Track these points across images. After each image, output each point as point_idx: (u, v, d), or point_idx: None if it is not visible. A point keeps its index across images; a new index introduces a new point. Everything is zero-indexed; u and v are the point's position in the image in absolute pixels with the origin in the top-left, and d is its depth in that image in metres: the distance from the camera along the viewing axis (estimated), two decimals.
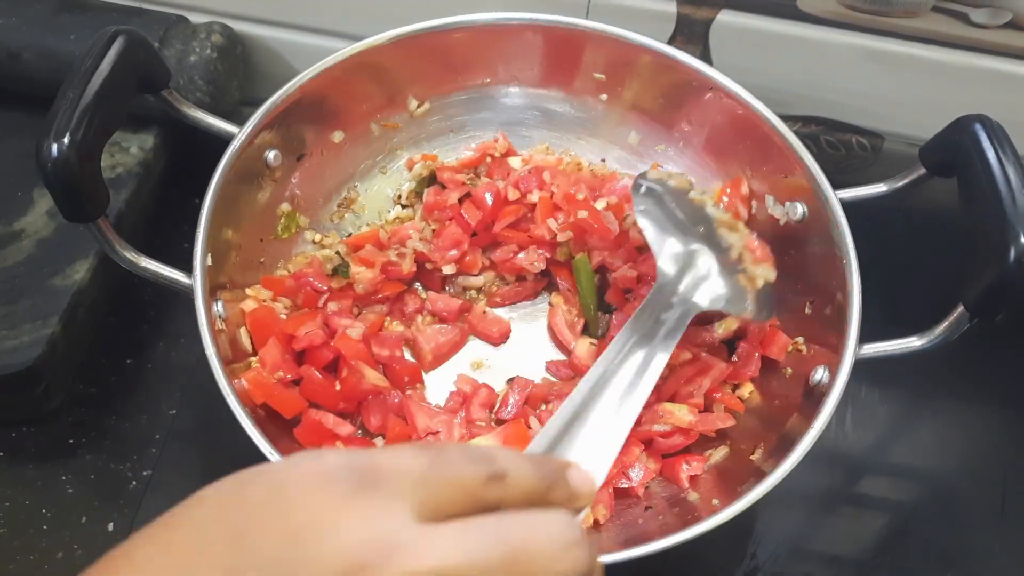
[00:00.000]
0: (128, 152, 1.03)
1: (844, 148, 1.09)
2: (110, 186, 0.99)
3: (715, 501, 0.78)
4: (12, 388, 0.89)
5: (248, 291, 0.89)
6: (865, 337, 0.81)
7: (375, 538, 0.41)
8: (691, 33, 0.99)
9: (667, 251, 0.86)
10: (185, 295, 0.80)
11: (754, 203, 0.96)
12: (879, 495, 0.96)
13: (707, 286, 0.85)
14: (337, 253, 0.94)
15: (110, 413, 0.95)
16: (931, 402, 1.01)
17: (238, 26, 1.08)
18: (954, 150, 0.80)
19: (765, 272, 0.86)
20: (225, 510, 0.43)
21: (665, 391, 0.87)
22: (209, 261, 0.81)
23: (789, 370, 0.88)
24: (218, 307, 0.83)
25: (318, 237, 0.98)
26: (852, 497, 0.95)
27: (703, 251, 0.87)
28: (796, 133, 0.91)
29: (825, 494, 0.95)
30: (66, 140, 0.72)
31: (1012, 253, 0.72)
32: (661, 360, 0.76)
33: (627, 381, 0.72)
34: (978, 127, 0.78)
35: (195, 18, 1.06)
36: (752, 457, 0.83)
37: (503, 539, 0.43)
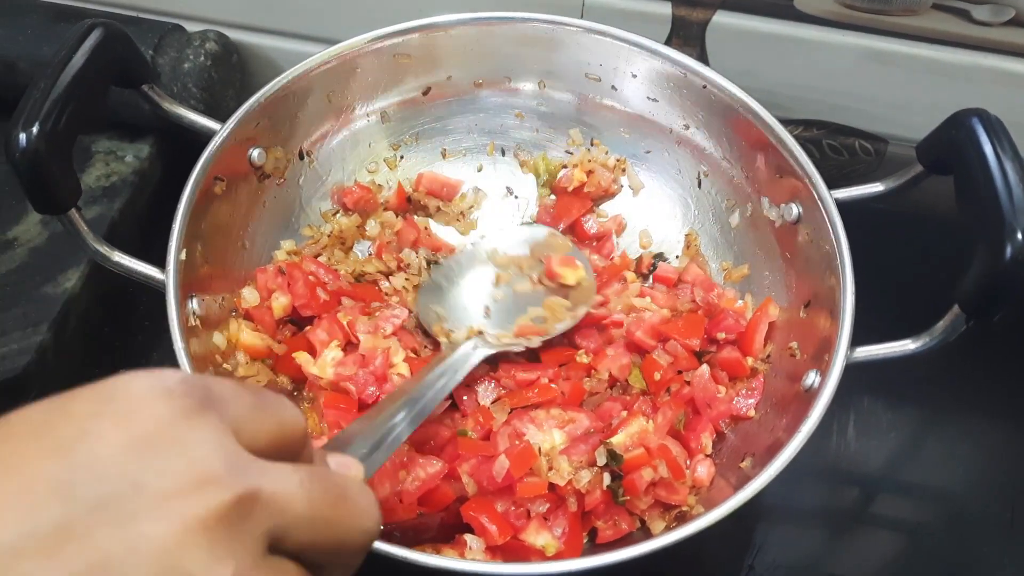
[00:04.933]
0: (123, 161, 1.03)
1: (848, 153, 1.06)
2: (105, 195, 1.00)
3: (699, 508, 0.77)
4: (1, 397, 0.89)
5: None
6: (863, 341, 0.78)
7: (222, 453, 0.40)
8: (687, 35, 0.98)
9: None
10: None
11: (749, 204, 0.94)
12: (883, 507, 0.93)
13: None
14: None
15: None
16: (938, 412, 0.98)
17: (234, 35, 1.08)
18: (951, 146, 0.78)
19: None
20: (46, 425, 0.39)
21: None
22: (183, 256, 0.81)
23: (782, 376, 0.85)
24: (193, 304, 0.82)
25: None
26: (855, 509, 0.92)
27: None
28: (798, 137, 0.89)
29: (827, 505, 0.93)
30: (35, 130, 0.71)
31: (1008, 251, 0.69)
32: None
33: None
34: (975, 122, 0.75)
35: (192, 27, 1.06)
36: (741, 465, 0.80)
37: (329, 487, 0.44)
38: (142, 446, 0.38)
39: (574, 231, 1.01)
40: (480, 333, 0.89)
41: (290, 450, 0.46)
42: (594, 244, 1.01)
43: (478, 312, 0.92)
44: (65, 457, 0.37)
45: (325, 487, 0.44)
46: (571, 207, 1.01)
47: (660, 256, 0.99)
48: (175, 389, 0.41)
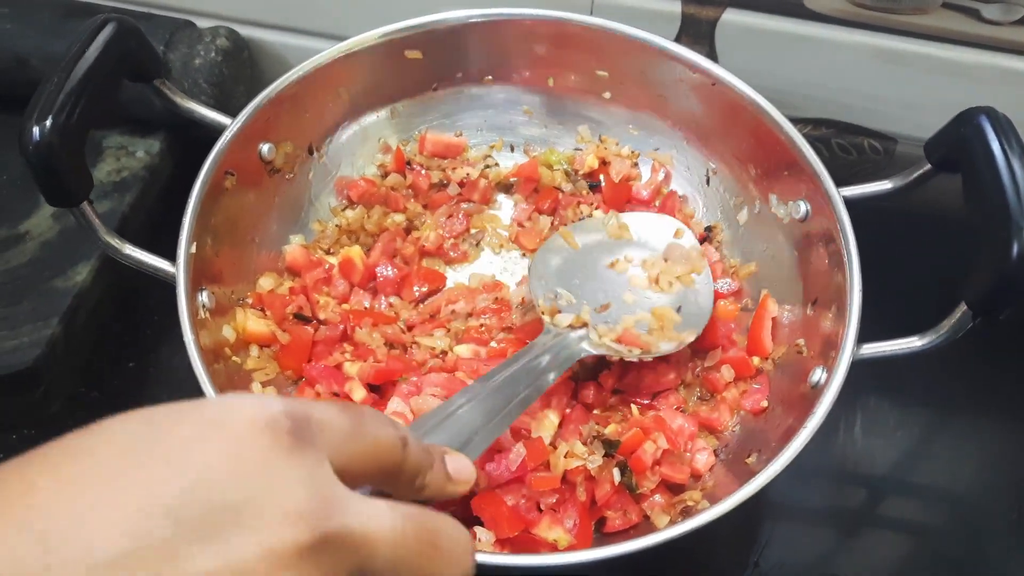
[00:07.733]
0: (134, 156, 1.04)
1: (856, 151, 1.06)
2: (116, 190, 1.01)
3: (705, 504, 0.77)
4: (12, 389, 0.89)
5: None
6: (870, 338, 0.78)
7: (314, 491, 0.42)
8: (697, 33, 0.98)
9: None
10: None
11: (757, 202, 0.94)
12: (889, 506, 0.93)
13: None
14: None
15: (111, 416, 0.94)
16: (945, 411, 0.98)
17: (245, 31, 1.08)
18: (958, 144, 0.78)
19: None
20: (154, 443, 0.41)
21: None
22: (194, 250, 0.81)
23: (789, 373, 0.85)
24: (203, 297, 0.82)
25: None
26: (861, 507, 0.92)
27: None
28: (807, 136, 0.89)
29: (833, 504, 0.92)
30: (48, 123, 0.72)
31: (1015, 249, 0.69)
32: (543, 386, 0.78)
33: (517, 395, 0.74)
34: (983, 119, 0.76)
35: (203, 23, 1.07)
36: (747, 461, 0.80)
37: (422, 533, 0.47)
38: (246, 477, 0.41)
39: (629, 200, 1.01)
40: (585, 325, 0.85)
41: (386, 472, 0.49)
42: (656, 205, 1.00)
43: (594, 299, 0.88)
44: (176, 480, 0.40)
45: (418, 533, 0.46)
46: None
47: (711, 229, 0.98)
48: (278, 420, 0.43)
